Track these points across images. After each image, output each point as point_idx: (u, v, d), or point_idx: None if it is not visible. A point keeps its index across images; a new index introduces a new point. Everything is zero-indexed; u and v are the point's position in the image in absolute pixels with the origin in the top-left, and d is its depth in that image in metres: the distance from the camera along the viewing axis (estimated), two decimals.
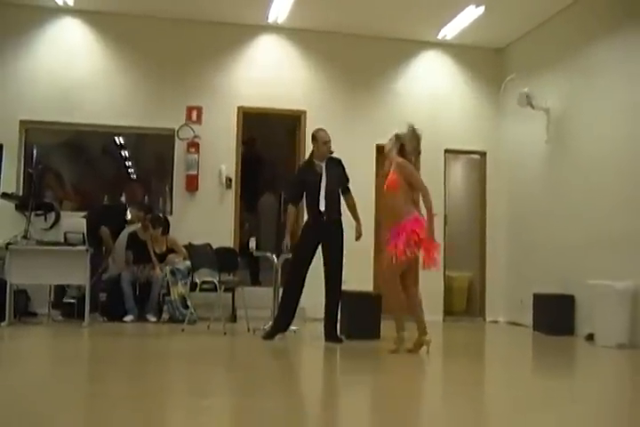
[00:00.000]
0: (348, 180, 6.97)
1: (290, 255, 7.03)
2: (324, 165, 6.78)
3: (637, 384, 5.44)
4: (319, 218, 6.69)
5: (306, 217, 7.12)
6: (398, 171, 6.12)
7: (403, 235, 5.91)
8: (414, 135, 6.34)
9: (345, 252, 6.79)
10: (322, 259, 6.75)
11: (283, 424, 3.51)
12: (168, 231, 8.81)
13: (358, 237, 6.84)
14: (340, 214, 6.82)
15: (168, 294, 8.24)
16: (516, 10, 8.85)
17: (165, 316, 8.21)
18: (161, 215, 9.07)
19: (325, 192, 6.68)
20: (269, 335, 6.68)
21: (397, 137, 6.33)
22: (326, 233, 6.70)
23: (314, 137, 6.88)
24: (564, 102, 8.75)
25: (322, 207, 6.66)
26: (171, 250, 8.63)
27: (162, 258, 8.55)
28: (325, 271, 6.75)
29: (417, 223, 5.97)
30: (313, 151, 6.91)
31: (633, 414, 4.14)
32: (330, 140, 6.85)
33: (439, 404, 4.45)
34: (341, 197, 6.90)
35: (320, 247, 6.71)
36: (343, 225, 6.77)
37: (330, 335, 6.71)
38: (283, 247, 6.96)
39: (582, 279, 7.54)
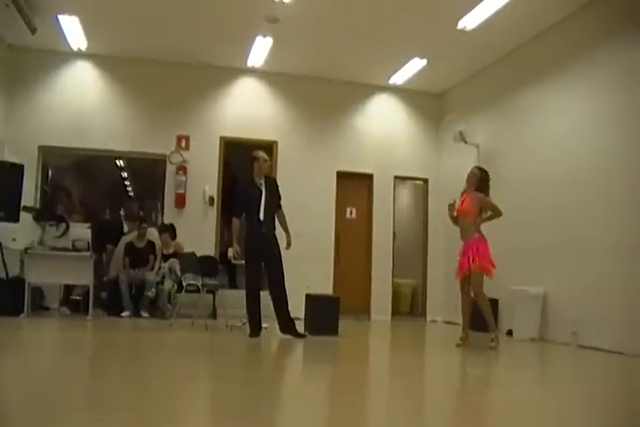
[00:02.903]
0: (280, 198, 6.84)
1: (236, 260, 6.91)
2: (263, 182, 6.70)
3: (539, 367, 5.88)
4: (259, 228, 6.56)
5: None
6: (478, 202, 6.49)
7: (473, 252, 6.32)
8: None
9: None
10: (264, 270, 6.66)
11: (255, 407, 3.39)
12: (175, 237, 8.86)
13: (288, 246, 6.72)
14: (275, 228, 6.75)
15: (162, 283, 8.33)
16: (453, 63, 9.19)
17: (152, 294, 8.31)
18: (166, 223, 9.08)
19: (265, 205, 6.60)
20: (255, 334, 6.53)
21: (484, 173, 6.64)
22: (267, 248, 6.57)
23: (255, 158, 6.73)
24: (491, 139, 9.05)
25: (261, 217, 6.56)
26: (175, 254, 8.61)
27: (167, 258, 8.60)
28: (269, 280, 6.66)
29: (481, 242, 6.40)
30: (254, 170, 6.73)
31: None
32: (269, 160, 6.88)
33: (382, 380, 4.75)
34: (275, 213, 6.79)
35: (263, 260, 6.61)
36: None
37: (292, 332, 6.60)
38: (233, 254, 6.74)
39: (505, 285, 7.72)
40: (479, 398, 4.08)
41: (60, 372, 4.34)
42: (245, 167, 7.02)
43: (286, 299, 6.64)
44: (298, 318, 6.99)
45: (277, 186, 6.89)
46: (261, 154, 6.80)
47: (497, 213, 6.57)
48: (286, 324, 6.67)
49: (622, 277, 6.36)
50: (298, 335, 6.65)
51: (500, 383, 4.74)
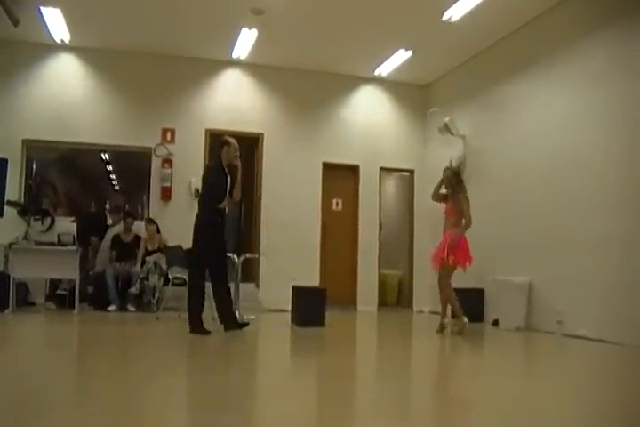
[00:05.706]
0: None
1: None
2: (226, 170, 6.44)
3: (523, 355, 5.93)
4: (218, 217, 6.30)
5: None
6: (459, 204, 6.81)
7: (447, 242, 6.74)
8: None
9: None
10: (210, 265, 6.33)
11: (240, 398, 3.42)
12: (159, 231, 8.79)
13: None
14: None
15: (147, 279, 8.30)
16: (438, 54, 9.19)
17: (135, 290, 8.23)
18: (152, 218, 9.05)
19: (228, 194, 6.41)
20: (203, 330, 6.15)
21: (455, 173, 6.95)
22: (222, 240, 6.37)
23: (227, 143, 6.42)
24: (477, 130, 9.05)
25: (223, 206, 6.32)
26: (159, 249, 8.60)
27: (151, 253, 8.57)
28: (216, 277, 6.34)
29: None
30: (222, 155, 6.40)
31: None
32: (238, 149, 6.53)
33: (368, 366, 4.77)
34: None
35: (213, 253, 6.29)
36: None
37: (236, 325, 6.27)
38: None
39: (490, 276, 7.83)
40: (463, 387, 4.09)
41: (44, 367, 4.30)
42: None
43: (230, 296, 6.40)
44: (285, 310, 6.94)
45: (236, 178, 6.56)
46: (232, 141, 6.51)
47: (467, 223, 6.80)
48: (230, 321, 6.37)
49: (606, 267, 6.40)
50: (242, 325, 6.42)
51: (485, 371, 4.75)
